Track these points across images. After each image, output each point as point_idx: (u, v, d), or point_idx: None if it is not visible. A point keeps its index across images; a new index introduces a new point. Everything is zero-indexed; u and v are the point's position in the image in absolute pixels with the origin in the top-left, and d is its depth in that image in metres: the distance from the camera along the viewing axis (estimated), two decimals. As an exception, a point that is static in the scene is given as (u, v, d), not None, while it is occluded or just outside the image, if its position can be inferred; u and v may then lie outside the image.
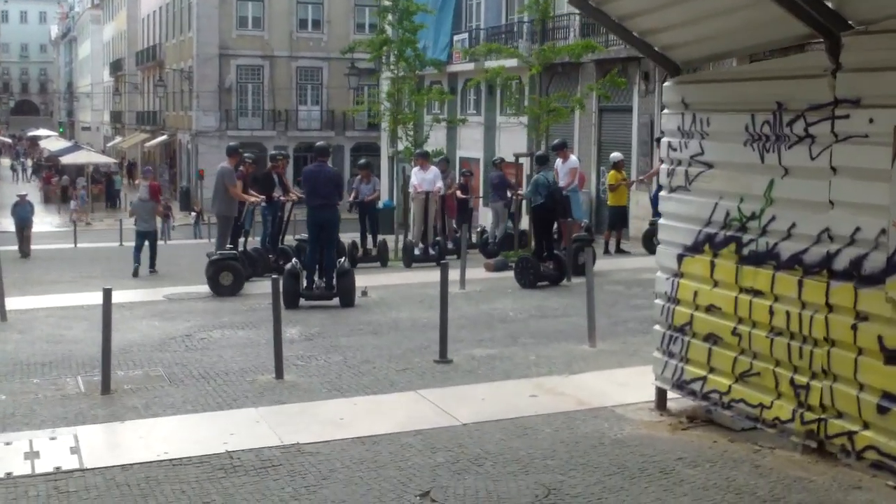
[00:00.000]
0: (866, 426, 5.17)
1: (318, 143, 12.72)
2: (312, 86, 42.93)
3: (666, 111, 6.59)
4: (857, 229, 5.10)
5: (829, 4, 5.16)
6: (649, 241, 16.33)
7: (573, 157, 16.25)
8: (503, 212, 17.39)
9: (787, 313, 5.56)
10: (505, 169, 18.08)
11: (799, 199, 5.48)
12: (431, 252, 16.59)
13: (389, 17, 20.23)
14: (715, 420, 6.33)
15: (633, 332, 9.63)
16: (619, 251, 17.12)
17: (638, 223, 18.73)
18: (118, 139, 61.43)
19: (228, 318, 11.20)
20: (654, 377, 6.75)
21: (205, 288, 13.46)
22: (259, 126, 41.92)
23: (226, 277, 13.07)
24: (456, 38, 28.80)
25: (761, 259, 5.74)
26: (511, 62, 20.36)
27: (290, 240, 16.11)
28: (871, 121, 4.98)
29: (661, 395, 6.74)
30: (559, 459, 5.77)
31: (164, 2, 48.96)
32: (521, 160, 19.78)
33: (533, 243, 13.96)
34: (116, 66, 63.34)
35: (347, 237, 16.45)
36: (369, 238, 17.00)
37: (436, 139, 23.66)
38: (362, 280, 12.77)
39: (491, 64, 20.64)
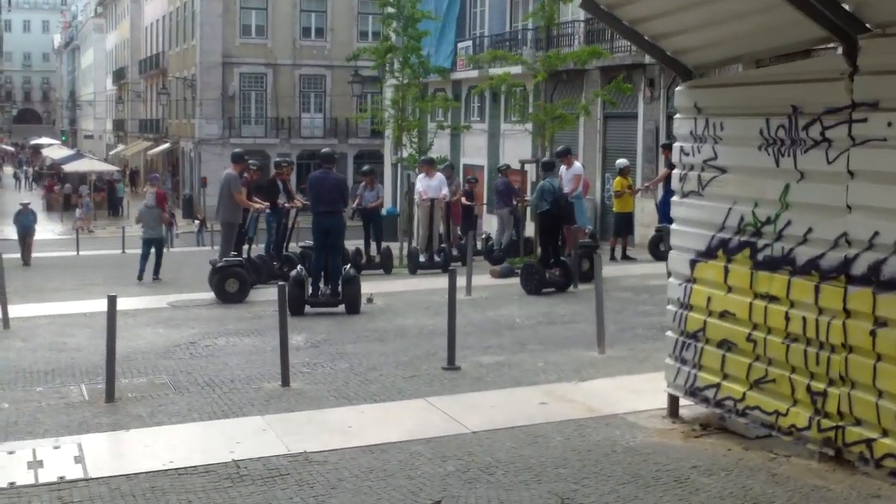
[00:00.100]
0: (885, 433, 5.08)
1: (324, 150, 12.66)
2: (315, 93, 42.97)
3: (678, 116, 6.52)
4: (876, 233, 5.02)
5: (847, 7, 5.10)
6: (655, 248, 16.28)
7: (577, 164, 16.21)
8: (508, 218, 17.35)
9: (804, 319, 5.47)
10: (510, 176, 18.06)
11: (815, 203, 5.40)
12: (436, 259, 16.54)
13: (394, 24, 20.20)
14: (728, 427, 6.24)
15: (642, 338, 9.54)
16: (626, 258, 17.06)
17: (643, 230, 18.65)
18: (121, 147, 61.51)
19: (233, 325, 11.13)
20: (667, 384, 6.65)
21: (209, 295, 13.41)
22: (262, 134, 41.96)
23: (232, 284, 13.04)
24: (460, 45, 28.80)
25: (777, 264, 5.65)
26: (516, 69, 20.33)
27: (293, 247, 16.04)
28: (889, 124, 4.90)
29: (674, 402, 6.65)
30: (571, 468, 5.68)
31: (167, 10, 49.09)
32: (527, 167, 19.74)
33: (539, 250, 13.89)
34: (119, 75, 63.48)
35: (351, 244, 16.38)
36: (373, 245, 16.93)
37: (439, 146, 23.63)
38: (368, 287, 12.69)
39: (496, 71, 20.60)
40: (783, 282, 5.60)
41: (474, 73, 26.74)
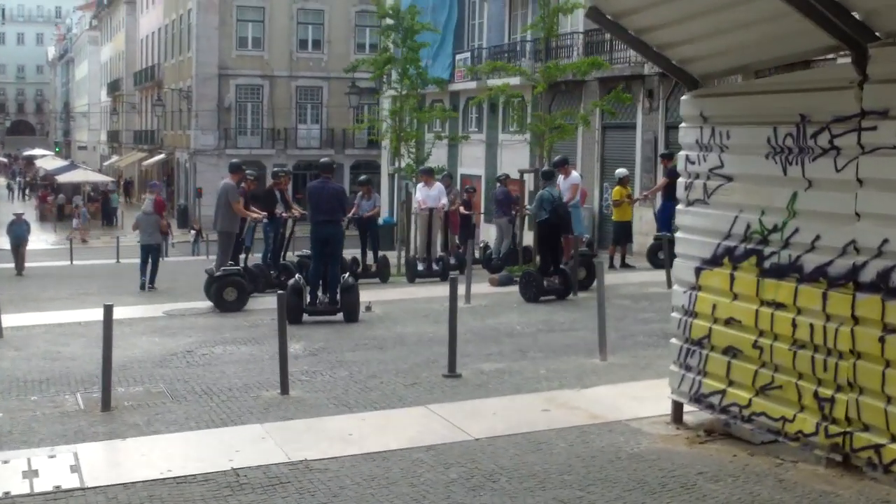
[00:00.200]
0: (894, 439, 5.05)
1: (323, 159, 12.62)
2: (312, 105, 42.96)
3: (683, 124, 6.49)
4: (885, 241, 5.00)
5: (857, 16, 5.08)
6: (654, 256, 16.28)
7: (575, 174, 16.20)
8: (507, 227, 17.34)
9: (811, 326, 5.44)
10: (509, 185, 18.06)
11: (824, 211, 5.38)
12: (435, 267, 16.53)
13: (393, 35, 20.20)
14: (733, 433, 6.19)
15: (644, 345, 9.49)
16: (625, 266, 17.04)
17: (642, 238, 18.65)
18: (115, 158, 61.41)
19: (230, 333, 11.04)
20: (671, 390, 6.60)
21: (205, 304, 13.32)
22: (258, 144, 41.93)
23: (230, 293, 13.00)
24: (459, 56, 28.85)
25: (784, 271, 5.62)
26: (514, 80, 20.34)
27: (290, 256, 15.97)
28: (899, 132, 4.88)
29: (678, 408, 6.60)
30: (576, 475, 5.61)
31: (163, 23, 49.11)
32: (525, 176, 19.75)
33: (538, 258, 13.86)
34: (114, 87, 63.45)
35: (347, 253, 16.31)
36: (369, 254, 16.87)
37: (437, 156, 23.62)
38: (366, 295, 12.62)
39: (494, 82, 20.61)
40: (790, 289, 5.56)
41: (472, 85, 26.76)
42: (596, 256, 15.34)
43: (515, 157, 24.07)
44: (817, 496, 5.15)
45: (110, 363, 7.39)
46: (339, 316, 11.63)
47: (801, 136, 5.46)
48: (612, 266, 16.75)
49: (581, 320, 11.07)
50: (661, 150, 19.38)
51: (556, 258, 13.28)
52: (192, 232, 33.42)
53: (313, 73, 42.38)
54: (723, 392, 6.11)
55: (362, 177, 18.78)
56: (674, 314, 6.55)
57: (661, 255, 14.95)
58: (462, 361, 8.50)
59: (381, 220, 20.94)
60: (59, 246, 33.94)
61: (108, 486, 5.55)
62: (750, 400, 5.91)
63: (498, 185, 18.22)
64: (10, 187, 64.74)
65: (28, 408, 7.55)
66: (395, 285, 16.26)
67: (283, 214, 15.02)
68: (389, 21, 20.34)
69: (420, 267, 16.64)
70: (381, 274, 16.73)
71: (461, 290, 12.15)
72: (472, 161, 28.39)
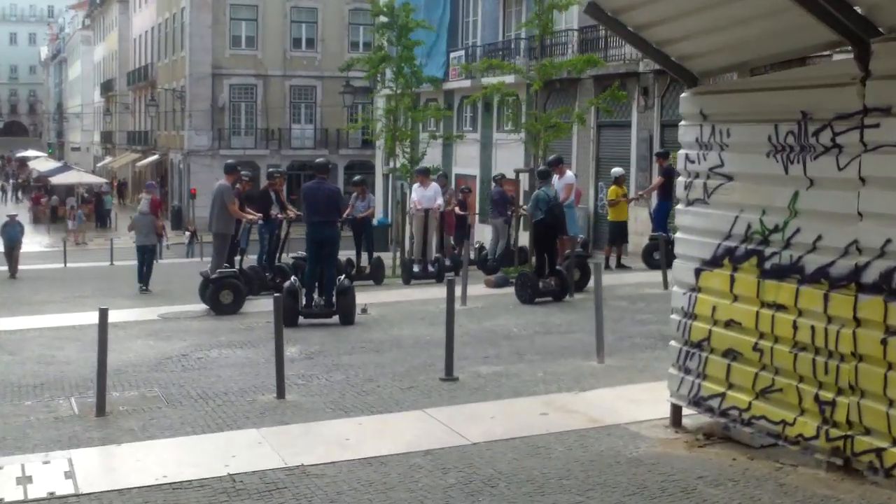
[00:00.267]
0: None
1: (318, 160, 12.56)
2: (306, 104, 42.88)
3: (683, 122, 6.42)
4: (888, 241, 4.93)
5: (860, 10, 5.02)
6: (650, 256, 16.23)
7: (569, 173, 16.15)
8: (503, 228, 17.26)
9: (812, 328, 5.38)
10: (505, 185, 17.98)
11: (825, 210, 5.31)
12: (430, 269, 16.45)
13: (388, 34, 20.13)
14: (733, 437, 6.14)
15: (641, 347, 9.45)
16: (620, 266, 16.98)
17: (637, 238, 18.60)
18: (108, 159, 61.20)
19: (226, 336, 10.97)
20: (670, 394, 6.55)
21: (200, 307, 13.25)
22: (252, 145, 41.83)
23: (226, 296, 12.91)
24: (453, 55, 28.77)
25: (785, 272, 5.56)
26: (509, 78, 20.28)
27: (285, 258, 15.89)
28: (902, 129, 4.83)
29: (677, 411, 6.55)
30: (575, 479, 5.56)
31: (156, 22, 48.96)
32: (521, 176, 19.65)
33: (533, 259, 13.81)
34: (107, 87, 63.24)
35: (342, 254, 16.24)
36: (364, 255, 16.79)
37: (432, 156, 23.56)
38: (362, 298, 12.56)
39: (489, 80, 20.56)
40: (791, 290, 5.50)
41: (467, 83, 26.70)
42: (590, 257, 15.29)
43: (510, 156, 24.01)
44: (818, 500, 5.10)
45: (105, 367, 7.32)
46: (335, 319, 11.56)
47: (802, 133, 5.39)
48: (607, 266, 16.69)
49: (578, 322, 11.03)
50: (657, 148, 19.35)
51: (551, 259, 13.23)
52: (187, 234, 33.30)
53: (307, 72, 42.31)
54: (722, 395, 6.06)
55: (357, 177, 18.69)
56: (673, 316, 6.49)
57: (657, 255, 14.92)
58: (459, 364, 8.45)
59: (375, 221, 20.85)
60: (53, 248, 33.78)
61: (102, 492, 5.50)
62: (750, 403, 5.85)
63: (493, 185, 18.14)
64: (3, 189, 64.47)
65: (22, 413, 7.49)
66: (391, 287, 16.19)
67: (279, 216, 14.94)
68: (383, 19, 20.26)
69: (416, 268, 16.56)
70: (376, 276, 16.65)
71: (457, 292, 12.12)
72: (466, 161, 28.32)
